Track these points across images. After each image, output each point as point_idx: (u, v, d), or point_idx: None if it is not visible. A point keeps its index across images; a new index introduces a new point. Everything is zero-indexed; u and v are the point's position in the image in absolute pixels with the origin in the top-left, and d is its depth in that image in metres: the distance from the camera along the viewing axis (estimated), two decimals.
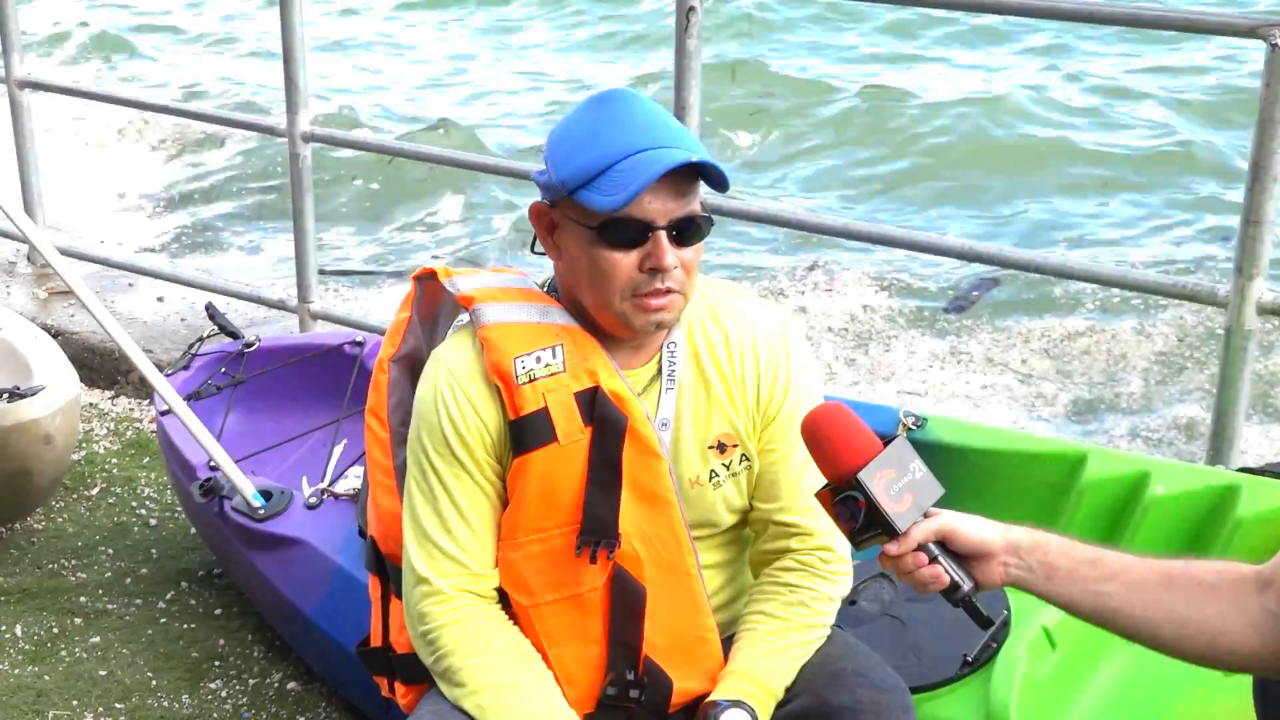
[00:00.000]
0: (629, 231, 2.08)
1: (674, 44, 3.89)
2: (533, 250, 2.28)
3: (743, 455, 2.29)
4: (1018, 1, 4.16)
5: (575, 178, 2.09)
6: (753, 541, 2.38)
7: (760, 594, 2.32)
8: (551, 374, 2.16)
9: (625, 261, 2.10)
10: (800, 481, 2.28)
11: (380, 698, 2.55)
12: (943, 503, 1.87)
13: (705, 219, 2.14)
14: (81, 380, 4.02)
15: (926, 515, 1.82)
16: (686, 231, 2.11)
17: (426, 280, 2.42)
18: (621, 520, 2.18)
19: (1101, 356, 5.83)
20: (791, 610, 2.28)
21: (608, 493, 2.17)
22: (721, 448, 2.27)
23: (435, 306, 2.47)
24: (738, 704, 2.19)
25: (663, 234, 2.09)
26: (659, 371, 2.25)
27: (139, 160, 8.85)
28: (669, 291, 2.12)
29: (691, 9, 3.79)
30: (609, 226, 2.08)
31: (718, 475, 2.28)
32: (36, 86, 5.72)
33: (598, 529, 2.17)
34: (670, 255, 2.09)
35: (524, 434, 2.16)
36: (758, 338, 2.29)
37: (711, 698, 2.22)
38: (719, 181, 2.12)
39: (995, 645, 2.60)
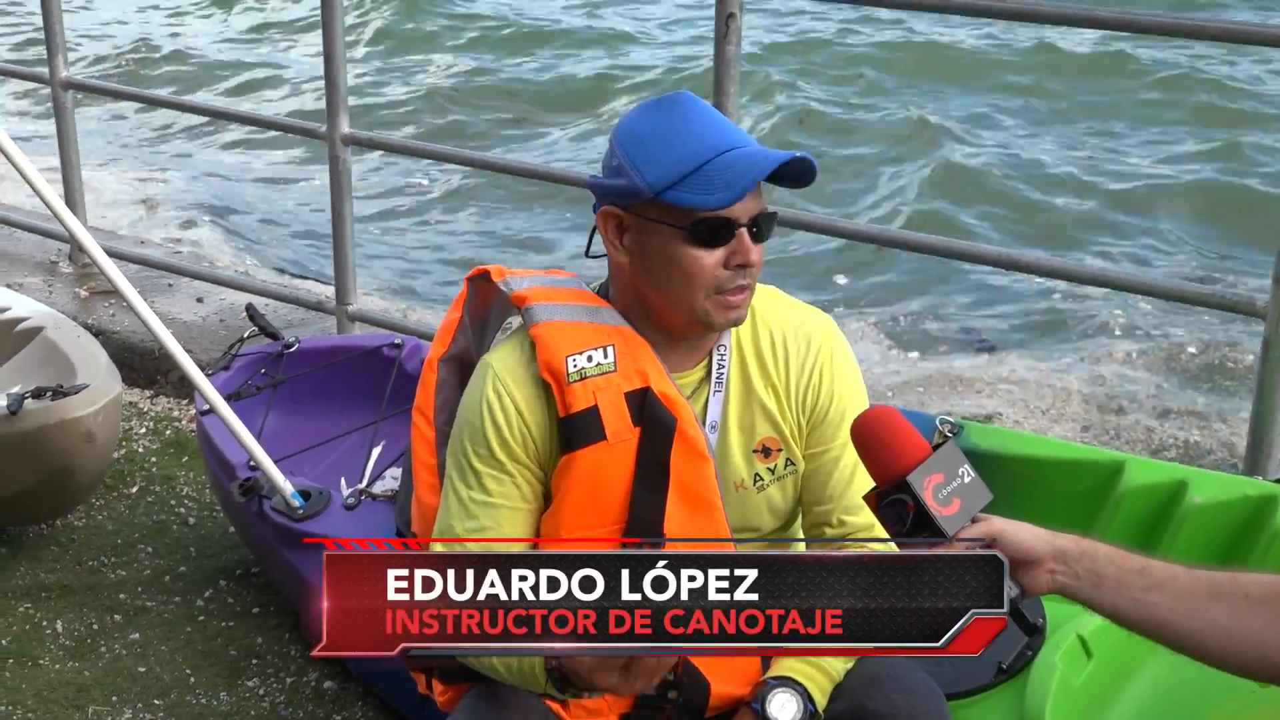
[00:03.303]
0: (720, 229, 2.10)
1: (713, 51, 3.90)
2: (587, 254, 2.29)
3: (788, 460, 2.30)
4: (1058, 11, 4.16)
5: (663, 179, 2.09)
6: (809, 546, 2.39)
7: None
8: (603, 373, 2.17)
9: (710, 260, 2.11)
10: (851, 482, 2.29)
11: (416, 697, 2.56)
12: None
13: (774, 215, 2.16)
14: (121, 379, 4.05)
15: (974, 520, 1.82)
16: (762, 228, 2.14)
17: (479, 281, 2.43)
18: (666, 521, 2.19)
19: (1138, 367, 5.82)
20: None
21: (655, 493, 2.18)
22: (766, 452, 2.29)
23: (486, 307, 2.48)
24: (788, 682, 2.19)
25: (745, 231, 2.11)
26: (708, 374, 2.27)
27: (179, 160, 8.92)
28: (745, 287, 2.15)
29: (731, 15, 3.81)
30: (702, 225, 2.09)
31: (761, 479, 2.29)
32: (80, 87, 5.78)
33: (644, 529, 2.17)
34: (755, 252, 2.12)
35: (573, 431, 2.17)
36: (803, 340, 2.31)
37: (764, 676, 2.22)
38: (799, 179, 2.12)
39: (1030, 653, 2.60)
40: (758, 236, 2.13)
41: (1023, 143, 9.33)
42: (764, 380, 2.28)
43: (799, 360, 2.29)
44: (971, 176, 8.53)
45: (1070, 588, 1.82)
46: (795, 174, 2.11)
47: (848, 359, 2.35)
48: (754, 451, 2.28)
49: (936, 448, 1.83)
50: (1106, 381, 5.68)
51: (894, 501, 1.81)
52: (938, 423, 3.04)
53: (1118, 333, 6.18)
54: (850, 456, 2.25)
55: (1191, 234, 7.67)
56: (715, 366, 2.26)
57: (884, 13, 11.70)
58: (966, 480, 1.82)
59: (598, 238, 2.25)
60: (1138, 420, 5.29)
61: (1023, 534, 1.82)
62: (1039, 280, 6.61)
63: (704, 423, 2.24)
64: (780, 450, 2.29)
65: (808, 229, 4.64)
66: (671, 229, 2.11)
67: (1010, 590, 1.82)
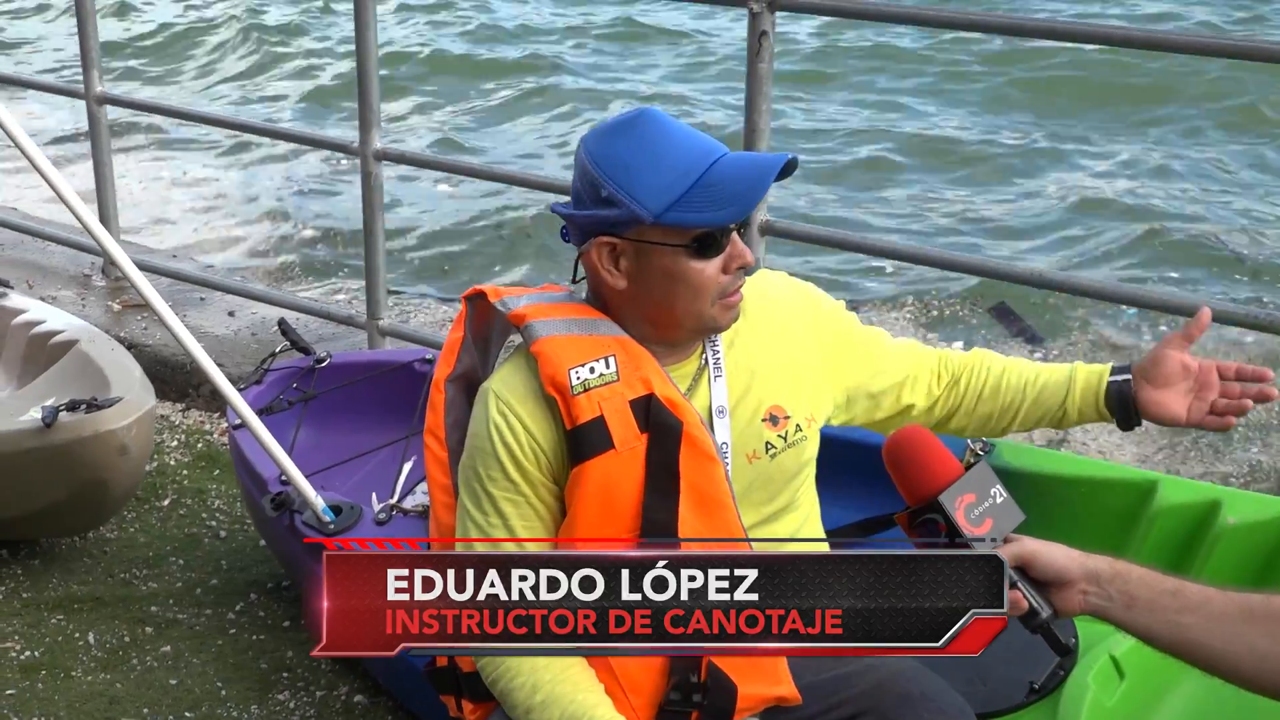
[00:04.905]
0: (718, 239, 2.14)
1: (745, 68, 3.91)
2: (574, 281, 2.31)
3: (797, 425, 2.33)
4: (1094, 30, 4.16)
5: (661, 203, 2.11)
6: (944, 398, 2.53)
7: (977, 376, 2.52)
8: (606, 383, 2.19)
9: (711, 269, 2.15)
10: (901, 344, 2.49)
11: (446, 710, 2.57)
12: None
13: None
14: (154, 393, 4.07)
15: (1006, 541, 1.82)
16: (741, 226, 2.20)
17: (477, 299, 2.45)
18: (680, 525, 2.20)
19: None
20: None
21: (667, 498, 2.19)
22: (774, 420, 2.32)
23: (487, 325, 2.49)
24: None
25: (735, 234, 2.17)
26: (704, 362, 2.30)
27: (210, 175, 8.97)
28: (741, 285, 2.21)
29: (764, 34, 3.82)
30: (704, 240, 2.13)
31: (774, 447, 2.31)
32: (115, 102, 5.82)
33: (658, 534, 2.18)
34: (748, 250, 2.18)
35: (581, 443, 2.18)
36: (777, 300, 2.38)
37: None
38: (780, 174, 2.18)
39: (1063, 673, 2.59)
40: (739, 235, 2.19)
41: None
42: (757, 349, 2.33)
43: (781, 319, 2.36)
44: None
45: (1103, 609, 1.82)
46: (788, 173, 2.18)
47: (818, 291, 2.47)
48: (762, 421, 2.31)
49: (969, 467, 1.84)
50: None
51: (926, 521, 1.82)
52: (969, 441, 3.03)
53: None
54: (888, 340, 2.48)
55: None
56: (710, 354, 2.30)
57: None
58: (999, 500, 1.83)
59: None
60: (1171, 439, 5.27)
61: (1055, 555, 1.81)
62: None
63: (711, 410, 2.27)
64: (788, 418, 2.32)
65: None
66: (672, 249, 2.14)
67: (1043, 611, 1.82)
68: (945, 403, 2.52)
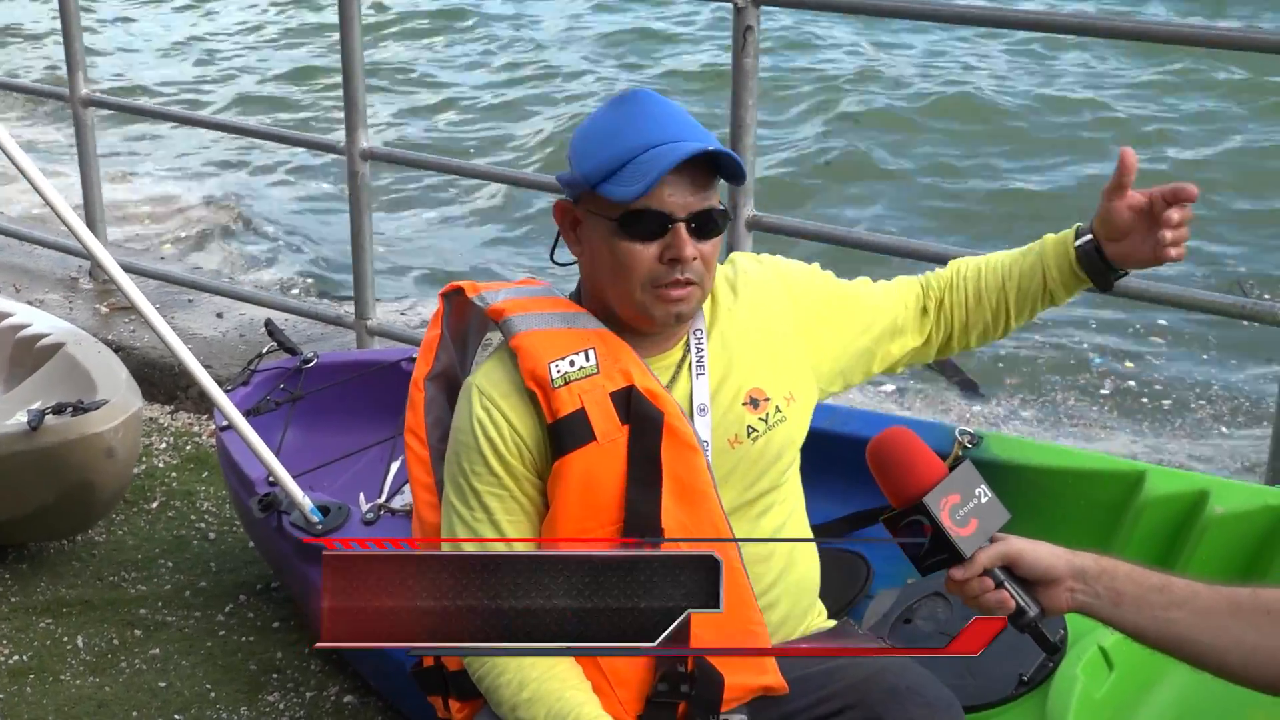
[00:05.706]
0: (649, 223, 2.14)
1: (730, 64, 3.91)
2: (552, 259, 2.33)
3: (776, 406, 2.33)
4: (1088, 22, 4.16)
5: (597, 172, 2.14)
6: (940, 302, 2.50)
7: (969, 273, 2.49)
8: (586, 375, 2.19)
9: (645, 253, 2.15)
10: (881, 289, 2.48)
11: (435, 711, 2.56)
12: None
13: (722, 213, 2.19)
14: (142, 395, 4.07)
15: (992, 540, 1.82)
16: (705, 225, 2.16)
17: (454, 296, 2.45)
18: (662, 516, 2.20)
19: (1158, 376, 5.80)
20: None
21: (649, 489, 2.19)
22: (754, 403, 2.31)
23: (464, 322, 2.50)
24: None
25: (682, 226, 2.14)
26: (687, 353, 2.29)
27: (197, 175, 8.95)
28: (688, 283, 2.17)
29: (749, 28, 3.81)
30: (629, 218, 2.14)
31: (755, 430, 2.31)
32: (100, 104, 5.80)
33: (641, 525, 2.18)
34: (690, 247, 2.14)
35: (563, 435, 2.19)
36: (748, 283, 2.37)
37: None
38: (734, 174, 2.17)
39: (1051, 665, 2.59)
40: (699, 233, 2.16)
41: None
42: (733, 334, 2.32)
43: (754, 299, 2.35)
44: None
45: (1090, 606, 1.81)
46: (732, 169, 2.16)
47: (783, 261, 2.46)
48: (743, 405, 2.30)
49: (953, 467, 1.83)
50: (1127, 390, 5.66)
51: (911, 523, 1.81)
52: (956, 434, 3.03)
53: (1137, 341, 6.15)
54: (870, 289, 2.48)
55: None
56: (694, 349, 2.30)
57: None
58: (983, 500, 1.82)
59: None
60: (1158, 429, 5.27)
61: (1041, 553, 1.81)
62: None
63: (693, 406, 2.26)
64: (768, 399, 2.32)
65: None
66: (605, 221, 2.16)
67: (1030, 610, 1.82)
68: (938, 330, 2.50)
